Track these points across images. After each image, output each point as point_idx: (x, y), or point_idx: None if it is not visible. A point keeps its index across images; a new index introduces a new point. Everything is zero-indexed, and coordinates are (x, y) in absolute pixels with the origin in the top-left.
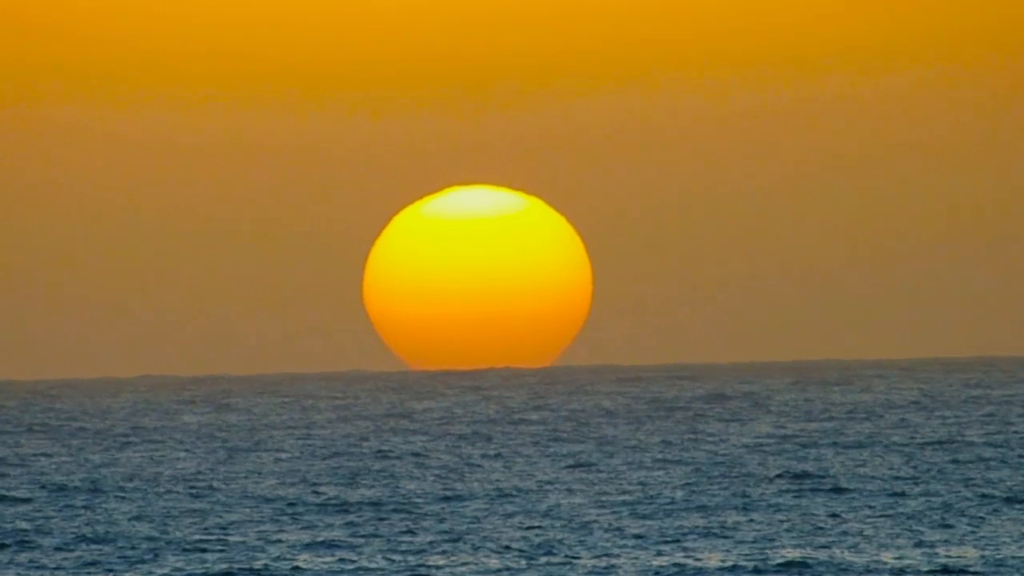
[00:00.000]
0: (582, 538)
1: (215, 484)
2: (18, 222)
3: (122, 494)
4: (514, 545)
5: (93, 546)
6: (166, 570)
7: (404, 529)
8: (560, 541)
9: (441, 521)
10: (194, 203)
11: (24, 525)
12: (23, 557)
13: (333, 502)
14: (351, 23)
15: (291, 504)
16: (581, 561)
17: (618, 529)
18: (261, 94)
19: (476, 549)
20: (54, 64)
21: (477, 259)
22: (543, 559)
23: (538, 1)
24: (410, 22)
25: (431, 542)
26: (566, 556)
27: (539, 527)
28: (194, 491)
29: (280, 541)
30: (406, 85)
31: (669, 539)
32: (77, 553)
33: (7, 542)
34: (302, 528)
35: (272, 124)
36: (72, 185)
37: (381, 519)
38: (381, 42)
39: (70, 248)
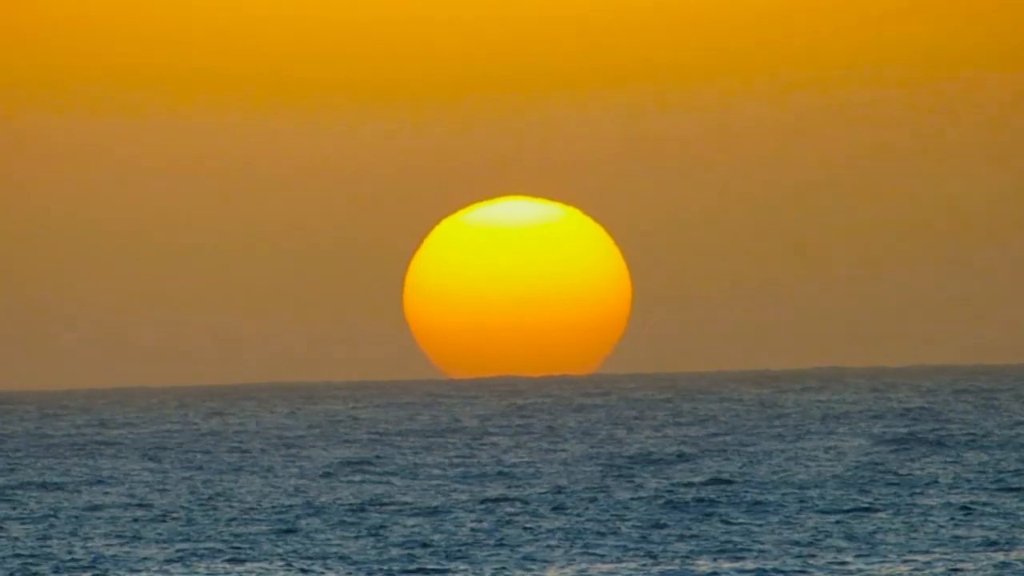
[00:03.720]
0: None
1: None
2: (44, 228)
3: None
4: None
5: None
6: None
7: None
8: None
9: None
10: (235, 212)
11: None
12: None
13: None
14: (391, 36)
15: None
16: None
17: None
18: (303, 105)
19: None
20: (78, 72)
21: (516, 268)
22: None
23: (575, 13)
24: (448, 35)
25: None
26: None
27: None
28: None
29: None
30: (443, 97)
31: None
32: None
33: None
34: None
35: (315, 135)
36: (116, 197)
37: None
38: (421, 55)
39: (109, 258)
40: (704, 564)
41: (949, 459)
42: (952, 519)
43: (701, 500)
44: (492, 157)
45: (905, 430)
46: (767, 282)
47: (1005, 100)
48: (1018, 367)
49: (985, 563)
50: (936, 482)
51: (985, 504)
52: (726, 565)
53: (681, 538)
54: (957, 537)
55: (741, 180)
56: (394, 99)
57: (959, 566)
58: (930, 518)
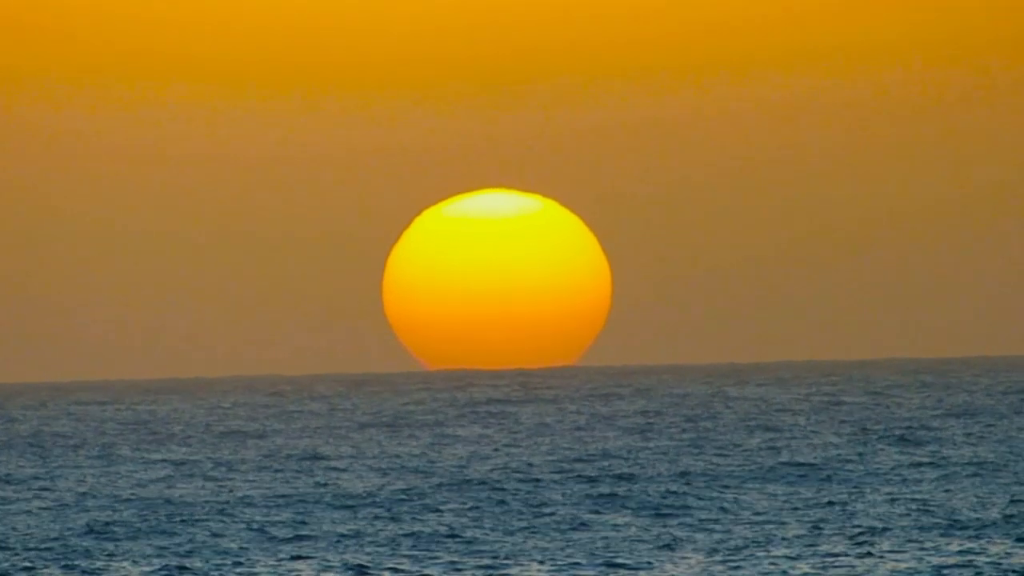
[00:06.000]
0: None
1: None
2: (41, 224)
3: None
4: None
5: None
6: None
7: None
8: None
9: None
10: (213, 204)
11: None
12: None
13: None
14: (370, 28)
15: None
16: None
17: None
18: (282, 96)
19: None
20: (64, 66)
21: (496, 260)
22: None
23: (553, 5)
24: (427, 26)
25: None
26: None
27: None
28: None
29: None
30: (423, 90)
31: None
32: None
33: None
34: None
35: (294, 127)
36: (96, 191)
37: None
38: (400, 46)
39: (94, 252)
40: (652, 560)
41: (904, 452)
42: (911, 512)
43: (649, 495)
44: (471, 149)
45: (866, 422)
46: (749, 273)
47: (981, 93)
48: (999, 359)
49: (944, 553)
50: (887, 474)
51: (940, 498)
52: (679, 556)
53: (630, 535)
54: (913, 529)
55: (721, 171)
56: (374, 91)
57: (912, 558)
58: (886, 511)
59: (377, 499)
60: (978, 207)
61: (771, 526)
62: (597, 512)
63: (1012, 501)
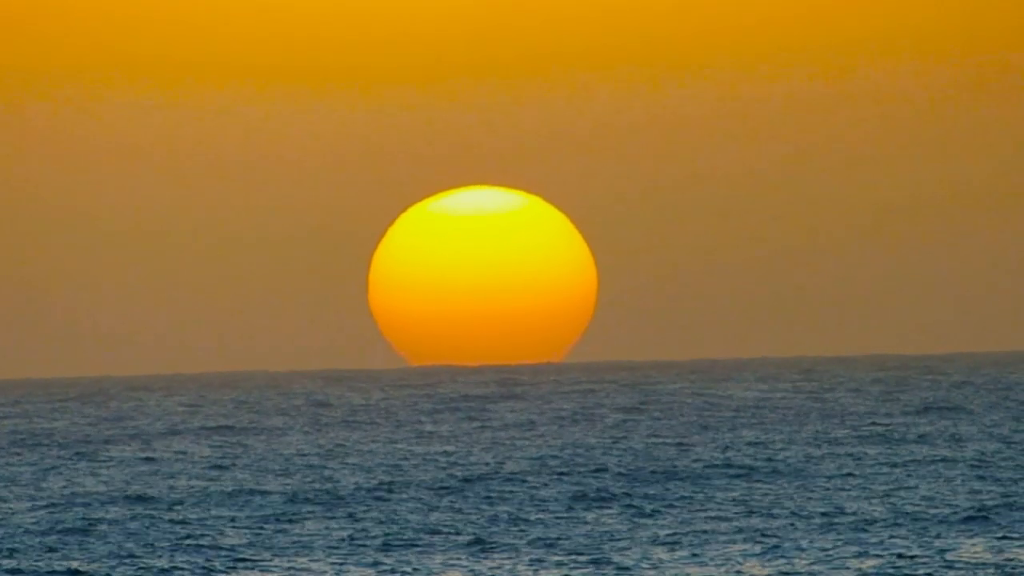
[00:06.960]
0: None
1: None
2: (27, 224)
3: None
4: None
5: None
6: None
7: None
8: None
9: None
10: (200, 200)
11: None
12: None
13: None
14: (355, 24)
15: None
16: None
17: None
18: (267, 92)
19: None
20: (50, 64)
21: (481, 257)
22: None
23: (538, 2)
24: (412, 24)
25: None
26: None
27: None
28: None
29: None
30: (408, 86)
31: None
32: None
33: None
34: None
35: (279, 122)
36: (81, 188)
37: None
38: (385, 44)
39: (77, 249)
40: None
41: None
42: (889, 513)
43: (634, 493)
44: (457, 146)
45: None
46: (734, 271)
47: (959, 87)
48: (982, 355)
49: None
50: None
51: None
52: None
53: (594, 533)
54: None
55: (705, 167)
56: (359, 88)
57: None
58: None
59: (362, 496)
60: (962, 205)
61: (755, 521)
62: (582, 509)
63: (994, 496)
